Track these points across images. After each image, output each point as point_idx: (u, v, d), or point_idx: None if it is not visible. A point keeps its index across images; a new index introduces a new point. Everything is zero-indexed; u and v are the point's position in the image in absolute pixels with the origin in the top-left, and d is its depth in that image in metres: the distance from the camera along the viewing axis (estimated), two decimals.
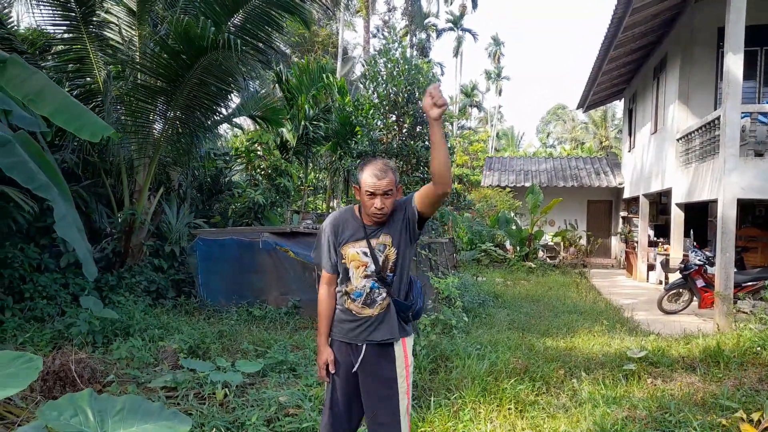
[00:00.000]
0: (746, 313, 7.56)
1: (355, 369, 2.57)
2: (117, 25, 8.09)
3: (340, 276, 2.60)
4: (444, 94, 2.26)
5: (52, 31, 8.14)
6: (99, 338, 5.48)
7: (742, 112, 8.06)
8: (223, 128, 16.30)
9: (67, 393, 3.71)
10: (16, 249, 6.36)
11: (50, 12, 7.46)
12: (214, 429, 3.51)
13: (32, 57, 7.76)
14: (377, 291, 2.55)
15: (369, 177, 2.43)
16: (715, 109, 9.98)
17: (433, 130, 2.26)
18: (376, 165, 2.46)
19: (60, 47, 8.18)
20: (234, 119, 11.46)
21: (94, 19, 7.67)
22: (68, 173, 7.57)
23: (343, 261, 2.57)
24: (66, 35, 7.90)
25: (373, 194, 2.43)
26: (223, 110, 9.17)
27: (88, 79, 7.98)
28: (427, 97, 2.23)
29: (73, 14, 7.32)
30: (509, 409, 4.14)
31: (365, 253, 2.53)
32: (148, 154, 7.95)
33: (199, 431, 3.50)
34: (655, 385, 4.90)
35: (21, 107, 4.83)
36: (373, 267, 2.53)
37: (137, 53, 7.97)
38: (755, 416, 3.96)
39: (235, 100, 10.22)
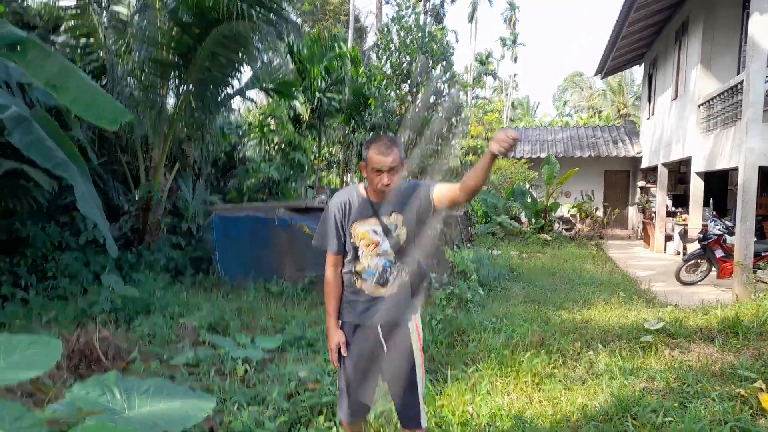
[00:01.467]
0: (766, 282, 7.48)
1: (386, 351, 2.58)
2: None
3: (349, 256, 2.58)
4: (516, 146, 2.22)
5: (63, 5, 8.11)
6: (121, 316, 5.60)
7: (767, 76, 7.81)
8: (236, 103, 16.24)
9: (92, 370, 3.83)
10: (38, 228, 6.47)
11: None
12: (236, 404, 3.59)
13: (44, 32, 7.76)
14: (389, 270, 2.55)
15: (375, 154, 2.44)
16: (739, 73, 9.69)
17: (486, 157, 2.24)
18: (381, 141, 2.47)
19: (71, 22, 8.14)
20: (246, 92, 11.40)
21: None
22: (83, 150, 7.61)
23: (352, 240, 2.55)
24: (76, 9, 7.86)
25: (379, 171, 2.44)
26: (236, 83, 9.12)
27: (100, 53, 7.96)
28: (504, 135, 2.15)
29: None
30: (526, 381, 4.16)
31: (376, 231, 2.53)
32: (163, 130, 7.96)
33: (222, 407, 3.58)
34: (673, 356, 4.89)
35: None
36: (385, 245, 2.53)
37: (146, 26, 7.91)
38: None
39: (247, 73, 10.16)
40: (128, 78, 7.88)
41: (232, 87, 9.00)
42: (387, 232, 2.53)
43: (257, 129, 12.67)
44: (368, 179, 2.52)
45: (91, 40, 7.93)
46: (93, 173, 7.76)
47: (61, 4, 8.12)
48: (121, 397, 2.38)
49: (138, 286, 6.37)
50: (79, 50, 7.98)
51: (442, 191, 2.49)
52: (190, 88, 7.82)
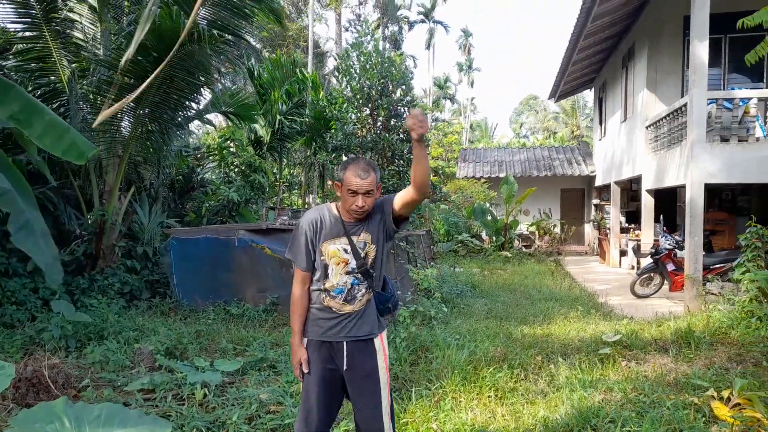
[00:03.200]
0: (715, 294, 7.78)
1: (345, 368, 2.56)
2: (80, 22, 7.88)
3: (318, 273, 2.59)
4: (427, 119, 2.33)
5: (11, 28, 7.88)
6: (72, 342, 5.36)
7: (708, 99, 8.24)
8: (195, 126, 16.07)
9: (41, 399, 3.64)
10: None
11: (10, 9, 7.21)
12: (195, 429, 3.47)
13: None
14: (357, 287, 2.57)
15: (352, 176, 2.46)
16: (682, 96, 10.20)
17: (415, 147, 2.34)
18: (359, 164, 2.49)
19: (21, 46, 7.92)
20: (205, 116, 11.29)
21: (56, 16, 7.45)
22: (34, 174, 7.36)
23: (322, 258, 2.56)
24: (27, 33, 7.66)
25: (355, 193, 2.46)
26: (194, 106, 9.02)
27: (52, 77, 7.76)
28: (411, 118, 2.27)
29: (34, 11, 7.10)
30: (489, 396, 4.19)
31: (345, 250, 2.55)
32: (118, 153, 7.78)
33: None
34: (630, 367, 5.02)
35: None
36: (354, 263, 2.55)
37: (101, 50, 7.78)
38: (725, 394, 4.08)
39: (206, 96, 10.07)
40: (81, 102, 7.70)
41: (191, 110, 8.90)
42: (356, 250, 2.55)
43: (216, 151, 12.52)
44: (342, 199, 2.54)
45: (43, 64, 7.71)
46: (43, 197, 7.50)
47: (10, 28, 7.89)
48: (70, 424, 2.28)
49: (90, 311, 6.13)
50: (28, 75, 7.75)
51: (400, 197, 2.54)
52: (147, 110, 7.69)
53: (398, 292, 6.70)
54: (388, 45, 34.91)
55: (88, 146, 4.34)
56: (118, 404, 2.60)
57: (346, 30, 33.41)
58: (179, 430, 3.47)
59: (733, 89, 9.65)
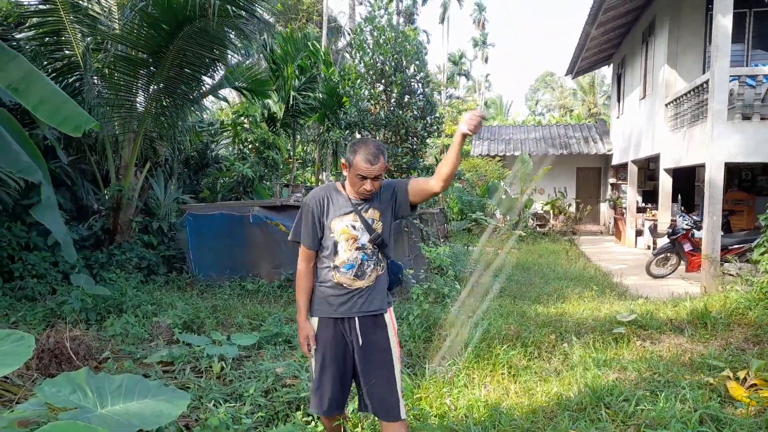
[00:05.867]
0: (733, 275, 7.69)
1: (361, 344, 2.59)
2: None
3: (327, 251, 2.60)
4: (481, 123, 2.41)
5: (26, 2, 7.86)
6: (92, 315, 5.47)
7: (731, 76, 8.03)
8: (208, 101, 16.05)
9: (63, 370, 3.73)
10: (3, 228, 6.28)
11: None
12: (213, 401, 3.54)
13: (7, 30, 7.52)
14: (366, 263, 2.60)
15: (362, 161, 2.47)
16: (704, 72, 9.96)
17: (457, 138, 2.43)
18: (369, 149, 2.49)
19: (36, 19, 7.91)
20: (219, 91, 11.26)
21: None
22: (50, 150, 7.42)
23: (331, 235, 2.58)
24: (42, 6, 7.64)
25: (364, 178, 2.49)
26: (208, 80, 8.99)
27: (67, 52, 7.76)
28: (470, 114, 2.36)
29: None
30: (502, 374, 4.21)
31: (354, 227, 2.57)
32: (133, 129, 7.80)
33: (198, 404, 3.53)
34: (644, 347, 5.00)
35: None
36: (364, 239, 2.57)
37: (117, 24, 7.74)
38: (741, 374, 4.07)
39: (219, 71, 10.03)
40: (95, 77, 7.70)
41: (205, 85, 8.88)
42: (368, 225, 2.58)
43: (230, 127, 12.52)
44: (350, 181, 2.56)
45: (57, 38, 7.70)
46: (61, 173, 7.58)
47: (24, 1, 7.86)
48: (92, 394, 2.33)
49: (109, 285, 6.24)
50: (43, 48, 7.75)
51: (417, 184, 2.59)
52: (161, 85, 7.68)
53: (411, 271, 6.72)
54: (401, 19, 34.38)
55: (85, 119, 4.32)
56: (138, 375, 2.66)
57: (360, 3, 32.90)
58: (198, 401, 3.54)
59: (756, 65, 9.37)
